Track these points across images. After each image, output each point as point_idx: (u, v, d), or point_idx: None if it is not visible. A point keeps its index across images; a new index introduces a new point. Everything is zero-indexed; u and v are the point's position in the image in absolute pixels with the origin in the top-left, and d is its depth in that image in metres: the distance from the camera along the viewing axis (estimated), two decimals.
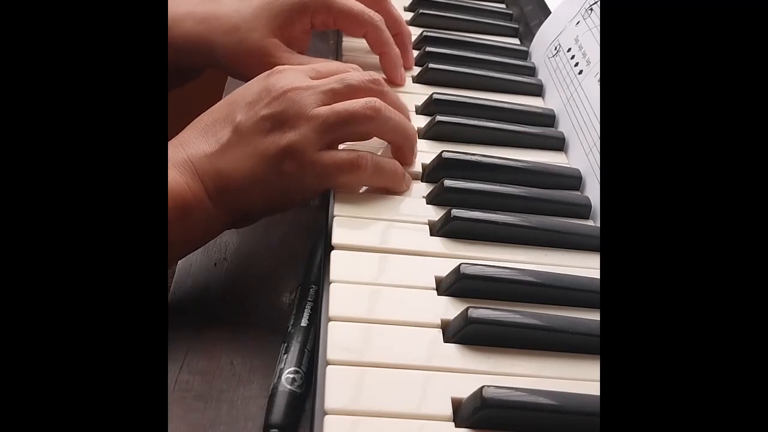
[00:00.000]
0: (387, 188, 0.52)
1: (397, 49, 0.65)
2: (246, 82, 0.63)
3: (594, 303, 0.45)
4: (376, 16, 0.63)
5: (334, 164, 0.49)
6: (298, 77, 0.51)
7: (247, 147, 0.48)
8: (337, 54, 0.71)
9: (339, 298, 0.43)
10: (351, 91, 0.51)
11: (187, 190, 0.47)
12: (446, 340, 0.42)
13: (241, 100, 0.50)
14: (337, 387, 0.38)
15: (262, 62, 0.60)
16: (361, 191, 0.51)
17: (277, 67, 0.52)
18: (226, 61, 0.62)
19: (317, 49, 0.69)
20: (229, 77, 0.73)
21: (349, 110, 0.49)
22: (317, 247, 0.52)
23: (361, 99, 0.50)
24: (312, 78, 0.51)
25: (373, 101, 0.50)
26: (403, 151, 0.53)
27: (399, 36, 0.67)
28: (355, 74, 0.52)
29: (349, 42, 0.70)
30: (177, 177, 0.47)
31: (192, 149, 0.49)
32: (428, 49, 0.70)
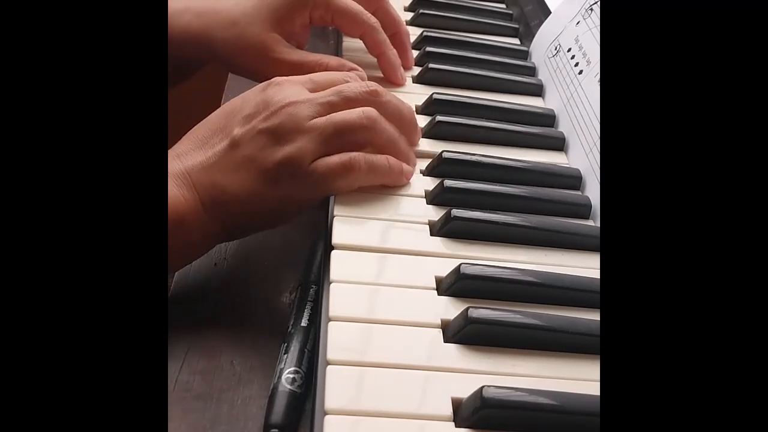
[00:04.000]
0: (386, 184, 0.52)
1: (394, 51, 0.65)
2: (245, 76, 0.63)
3: (594, 303, 0.45)
4: (373, 19, 0.64)
5: (329, 171, 0.48)
6: (295, 90, 0.50)
7: (243, 161, 0.48)
8: (336, 54, 0.71)
9: (339, 298, 0.43)
10: (348, 103, 0.50)
11: (182, 201, 0.47)
12: (446, 340, 0.42)
13: (239, 112, 0.50)
14: (337, 387, 0.38)
15: (262, 57, 0.60)
16: (360, 192, 0.51)
17: (275, 78, 0.52)
18: (225, 56, 0.62)
19: (317, 49, 0.68)
20: (229, 77, 0.73)
21: (346, 120, 0.49)
22: (317, 247, 0.52)
23: (358, 109, 0.50)
24: (310, 90, 0.51)
25: (369, 111, 0.50)
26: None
27: (397, 35, 0.67)
28: (353, 85, 0.52)
29: (349, 42, 0.70)
30: (173, 189, 0.47)
31: (189, 161, 0.49)
32: (428, 49, 0.70)
